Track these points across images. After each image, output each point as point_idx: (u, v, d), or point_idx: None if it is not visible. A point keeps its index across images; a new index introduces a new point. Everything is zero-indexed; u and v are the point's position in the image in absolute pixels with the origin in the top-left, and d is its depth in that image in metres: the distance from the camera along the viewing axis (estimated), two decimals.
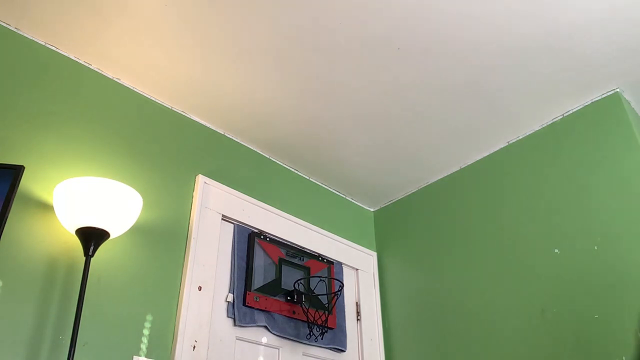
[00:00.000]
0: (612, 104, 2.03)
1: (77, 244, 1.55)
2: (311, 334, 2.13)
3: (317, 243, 2.40)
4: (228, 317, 1.93)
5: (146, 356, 1.64)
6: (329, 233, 2.49)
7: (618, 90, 2.03)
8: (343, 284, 2.31)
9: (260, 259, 2.13)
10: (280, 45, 1.86)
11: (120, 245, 1.71)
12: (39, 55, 1.81)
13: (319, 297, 2.23)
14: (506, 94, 2.06)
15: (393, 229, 2.69)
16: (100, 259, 1.62)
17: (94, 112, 1.87)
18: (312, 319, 2.13)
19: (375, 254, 2.67)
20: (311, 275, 2.28)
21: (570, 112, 2.15)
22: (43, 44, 1.83)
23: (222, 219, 2.08)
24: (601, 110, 2.06)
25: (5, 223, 1.34)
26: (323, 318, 2.16)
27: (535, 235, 2.07)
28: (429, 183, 2.61)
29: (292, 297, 2.13)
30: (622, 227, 1.83)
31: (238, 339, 1.93)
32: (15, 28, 1.77)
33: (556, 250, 1.98)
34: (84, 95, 1.87)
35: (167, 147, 2.04)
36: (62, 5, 1.69)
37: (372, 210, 2.84)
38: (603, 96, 2.07)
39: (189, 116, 2.18)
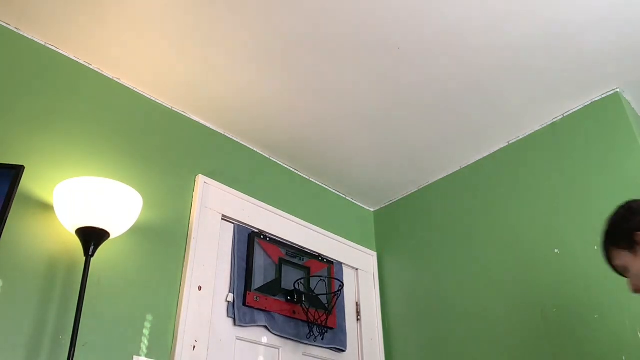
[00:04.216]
0: (612, 104, 2.03)
1: (77, 244, 1.55)
2: (311, 333, 2.13)
3: (317, 243, 2.40)
4: (228, 317, 1.93)
5: (146, 356, 1.64)
6: (329, 233, 2.49)
7: (618, 90, 2.03)
8: (343, 284, 2.31)
9: (260, 259, 2.13)
10: (280, 45, 1.86)
11: (120, 245, 1.71)
12: (39, 55, 1.80)
13: (319, 297, 2.23)
14: (506, 94, 2.06)
15: (393, 229, 2.69)
16: (100, 259, 1.62)
17: (94, 112, 1.87)
18: (312, 319, 2.13)
19: (375, 254, 2.67)
20: (311, 275, 2.28)
21: (570, 112, 2.15)
22: (43, 44, 1.83)
23: (222, 219, 2.08)
24: (601, 110, 2.06)
25: (5, 223, 1.34)
26: (323, 318, 2.16)
27: (535, 235, 2.07)
28: (429, 183, 2.61)
29: (292, 297, 2.13)
30: None
31: (238, 339, 1.93)
32: (15, 28, 1.77)
33: (556, 250, 1.97)
34: (84, 95, 1.87)
35: (167, 147, 2.04)
36: (62, 5, 1.69)
37: (372, 210, 2.84)
38: (603, 96, 2.07)
39: (189, 116, 2.18)
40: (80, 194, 1.51)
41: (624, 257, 1.19)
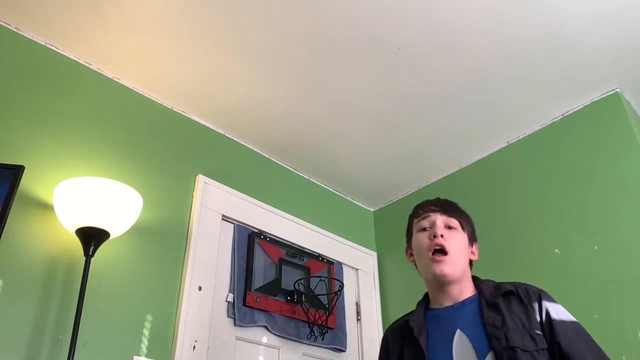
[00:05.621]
0: (612, 104, 2.03)
1: (77, 244, 1.55)
2: (311, 333, 2.13)
3: (317, 243, 2.40)
4: (228, 317, 1.93)
5: (146, 356, 1.64)
6: (329, 233, 2.49)
7: (618, 90, 2.03)
8: (343, 284, 2.31)
9: (260, 259, 2.12)
10: (280, 46, 1.86)
11: (120, 245, 1.71)
12: (39, 55, 1.80)
13: (319, 297, 2.23)
14: (506, 94, 2.06)
15: (393, 229, 2.69)
16: (100, 259, 1.62)
17: (94, 112, 1.87)
18: (312, 319, 2.13)
19: (375, 254, 2.67)
20: (311, 275, 2.28)
21: (570, 112, 2.15)
22: (43, 44, 1.83)
23: (222, 219, 2.08)
24: (601, 110, 2.05)
25: (5, 223, 1.34)
26: (323, 318, 2.16)
27: (535, 235, 2.07)
28: (429, 183, 2.61)
29: (292, 297, 2.12)
30: (622, 227, 1.82)
31: (238, 339, 1.93)
32: (15, 28, 1.77)
33: (556, 250, 1.97)
34: (84, 95, 1.87)
35: (168, 147, 2.04)
36: (62, 5, 1.69)
37: (372, 210, 2.84)
38: (603, 96, 2.07)
39: (189, 116, 2.18)
40: (80, 194, 1.51)
41: (458, 230, 1.27)
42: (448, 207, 1.31)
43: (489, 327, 1.12)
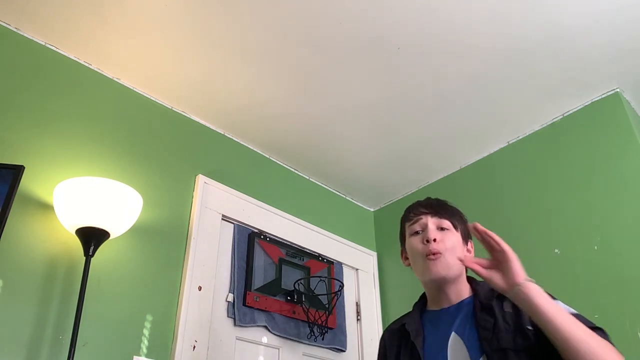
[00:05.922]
0: (612, 104, 2.03)
1: (77, 244, 1.55)
2: (311, 333, 2.13)
3: (317, 243, 2.40)
4: (228, 317, 1.93)
5: (146, 356, 1.64)
6: (329, 233, 2.48)
7: (618, 90, 2.03)
8: (343, 284, 2.31)
9: (260, 259, 2.12)
10: (280, 46, 1.86)
11: (120, 245, 1.71)
12: (39, 55, 1.80)
13: (319, 297, 2.23)
14: (506, 93, 2.06)
15: (393, 229, 2.67)
16: (100, 259, 1.62)
17: (94, 112, 1.87)
18: (312, 319, 2.13)
19: (375, 254, 2.67)
20: (311, 275, 2.28)
21: (570, 112, 2.15)
22: (43, 44, 1.83)
23: (222, 219, 2.08)
24: (601, 110, 2.05)
25: (5, 223, 1.34)
26: (323, 318, 2.16)
27: (535, 235, 2.07)
28: (429, 183, 2.61)
29: (292, 297, 2.12)
30: (622, 227, 1.82)
31: (238, 339, 1.93)
32: (15, 28, 1.77)
33: (556, 250, 1.97)
34: (84, 95, 1.87)
35: (168, 147, 2.04)
36: (62, 5, 1.69)
37: (372, 210, 2.84)
38: (603, 96, 2.06)
39: (189, 116, 2.18)
40: (80, 194, 1.51)
41: (451, 231, 1.25)
42: (439, 208, 1.29)
43: (481, 330, 1.11)
